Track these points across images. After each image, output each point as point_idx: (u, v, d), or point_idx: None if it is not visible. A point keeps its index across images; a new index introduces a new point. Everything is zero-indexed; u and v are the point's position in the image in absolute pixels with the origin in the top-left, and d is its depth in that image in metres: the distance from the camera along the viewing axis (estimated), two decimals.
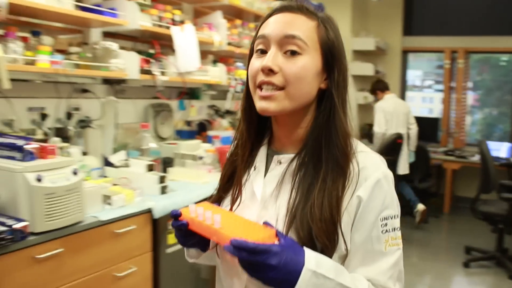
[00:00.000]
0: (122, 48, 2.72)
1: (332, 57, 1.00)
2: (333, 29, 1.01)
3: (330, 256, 0.93)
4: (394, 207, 0.99)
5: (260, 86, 0.98)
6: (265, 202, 1.02)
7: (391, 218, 0.98)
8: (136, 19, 2.67)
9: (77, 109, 2.68)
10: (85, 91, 2.74)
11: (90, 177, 2.44)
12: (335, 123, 0.98)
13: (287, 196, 0.98)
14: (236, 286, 1.03)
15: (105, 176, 2.56)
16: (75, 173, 1.94)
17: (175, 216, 0.97)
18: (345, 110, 1.00)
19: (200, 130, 3.66)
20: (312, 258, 0.87)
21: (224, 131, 3.60)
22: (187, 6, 3.39)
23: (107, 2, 2.67)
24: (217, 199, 1.12)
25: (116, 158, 2.68)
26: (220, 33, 3.33)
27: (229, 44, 3.45)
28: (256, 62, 0.99)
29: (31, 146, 1.86)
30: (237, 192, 1.05)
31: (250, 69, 1.01)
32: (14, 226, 1.69)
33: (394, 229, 0.98)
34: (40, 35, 2.35)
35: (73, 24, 2.71)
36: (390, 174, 1.00)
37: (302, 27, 0.97)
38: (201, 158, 2.95)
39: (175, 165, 2.93)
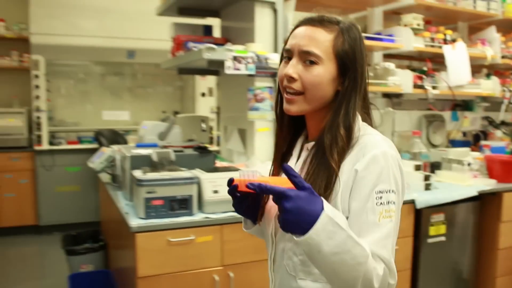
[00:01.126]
0: (398, 67, 3.23)
1: (344, 66, 1.13)
2: (351, 38, 1.14)
3: None
4: (391, 182, 1.07)
5: (285, 89, 1.16)
6: None
7: (387, 192, 1.06)
8: (410, 42, 3.15)
9: None
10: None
11: None
12: (338, 121, 1.12)
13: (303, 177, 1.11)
14: (272, 252, 1.23)
15: None
16: None
17: (229, 182, 1.09)
18: (351, 111, 1.13)
19: (475, 141, 3.85)
20: (329, 208, 0.97)
21: (499, 141, 3.70)
22: (462, 24, 3.67)
23: (386, 30, 3.24)
24: None
25: None
26: (493, 47, 3.51)
27: (504, 57, 3.57)
28: (283, 69, 1.16)
29: None
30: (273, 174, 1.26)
31: (279, 74, 1.18)
32: None
33: (389, 202, 1.06)
34: None
35: None
36: (391, 152, 1.09)
37: (319, 41, 1.12)
38: (469, 164, 3.20)
39: (443, 169, 3.25)
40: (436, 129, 3.68)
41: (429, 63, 3.42)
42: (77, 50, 5.37)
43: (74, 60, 5.82)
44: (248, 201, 1.17)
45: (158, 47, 4.89)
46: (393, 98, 3.46)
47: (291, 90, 1.13)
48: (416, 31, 3.18)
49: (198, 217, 2.23)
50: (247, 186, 0.98)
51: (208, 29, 3.25)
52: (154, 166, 2.39)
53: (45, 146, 5.08)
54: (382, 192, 1.06)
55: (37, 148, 5.07)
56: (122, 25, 5.35)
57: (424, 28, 3.29)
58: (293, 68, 1.12)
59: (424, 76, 3.32)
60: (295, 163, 1.23)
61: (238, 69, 2.51)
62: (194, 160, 2.56)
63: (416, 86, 3.27)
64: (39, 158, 5.11)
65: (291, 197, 0.93)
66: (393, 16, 3.45)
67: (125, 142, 4.41)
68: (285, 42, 1.19)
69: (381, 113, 3.40)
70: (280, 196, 0.94)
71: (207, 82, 5.80)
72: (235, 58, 2.50)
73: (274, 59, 2.62)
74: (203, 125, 3.12)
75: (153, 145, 2.74)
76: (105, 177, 3.12)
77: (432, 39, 3.31)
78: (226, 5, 3.12)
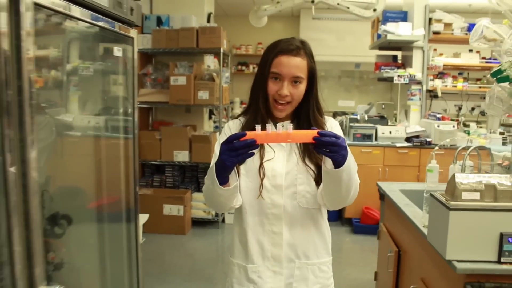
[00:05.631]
0: None
1: (311, 78, 1.60)
2: (312, 57, 1.60)
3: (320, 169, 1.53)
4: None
5: (276, 100, 1.56)
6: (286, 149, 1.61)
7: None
8: None
9: (478, 106, 5.81)
10: None
11: None
12: (313, 109, 1.62)
13: (295, 144, 1.61)
14: (279, 199, 1.58)
15: None
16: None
17: (240, 137, 1.32)
18: (318, 103, 1.64)
19: None
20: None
21: None
22: None
23: None
24: None
25: None
26: None
27: None
28: (274, 86, 1.55)
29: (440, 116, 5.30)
30: (263, 147, 1.59)
31: (270, 89, 1.56)
32: None
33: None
34: None
35: None
36: (337, 122, 1.70)
37: (301, 68, 1.55)
38: None
39: None
40: None
41: None
42: (322, 63, 8.20)
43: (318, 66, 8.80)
44: (249, 154, 1.37)
45: (373, 61, 7.42)
46: None
47: (284, 101, 1.56)
48: None
49: (374, 142, 5.28)
50: (319, 133, 1.31)
51: (395, 58, 6.14)
52: (358, 122, 5.51)
53: None
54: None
55: None
56: (352, 45, 8.30)
57: None
58: (287, 89, 1.54)
59: None
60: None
61: (399, 80, 5.44)
62: (376, 121, 5.60)
63: None
64: None
65: (343, 139, 1.38)
66: None
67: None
68: (269, 65, 1.56)
69: None
70: (338, 137, 1.35)
71: None
72: (398, 75, 5.43)
73: (419, 76, 5.45)
74: (383, 106, 6.18)
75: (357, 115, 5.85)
76: None
77: None
78: (404, 46, 5.99)
